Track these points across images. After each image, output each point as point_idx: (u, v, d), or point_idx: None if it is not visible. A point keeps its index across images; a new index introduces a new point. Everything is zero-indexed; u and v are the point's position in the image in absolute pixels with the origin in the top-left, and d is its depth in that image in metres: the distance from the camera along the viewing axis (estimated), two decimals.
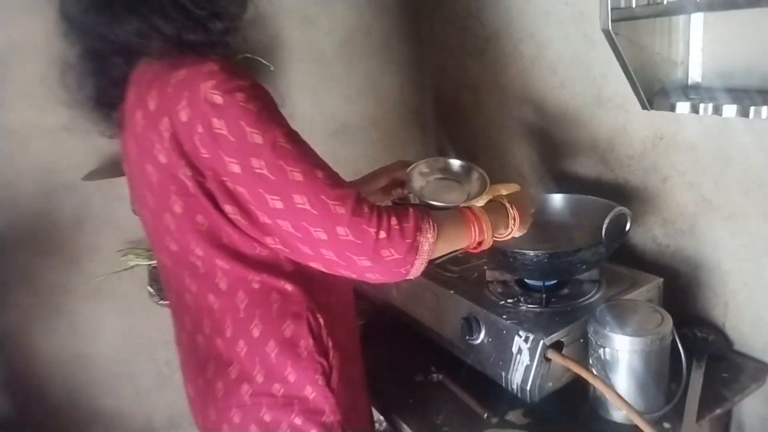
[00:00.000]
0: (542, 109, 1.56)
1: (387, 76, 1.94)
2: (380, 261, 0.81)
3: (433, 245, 0.85)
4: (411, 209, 0.85)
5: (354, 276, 0.84)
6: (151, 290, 1.63)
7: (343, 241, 0.79)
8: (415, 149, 2.03)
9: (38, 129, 1.51)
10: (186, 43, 0.82)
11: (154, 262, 1.62)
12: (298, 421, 0.91)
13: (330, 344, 0.93)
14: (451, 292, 1.28)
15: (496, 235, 0.98)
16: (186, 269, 0.91)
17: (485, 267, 1.34)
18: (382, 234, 0.80)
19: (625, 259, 1.33)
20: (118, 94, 0.89)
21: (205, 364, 0.95)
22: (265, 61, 0.87)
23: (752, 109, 0.99)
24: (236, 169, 0.77)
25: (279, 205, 0.78)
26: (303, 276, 0.90)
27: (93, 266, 1.65)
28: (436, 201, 1.06)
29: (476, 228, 0.94)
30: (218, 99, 0.76)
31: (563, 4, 1.39)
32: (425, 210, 0.87)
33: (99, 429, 1.76)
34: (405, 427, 1.14)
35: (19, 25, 1.44)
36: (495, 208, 0.99)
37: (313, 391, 0.92)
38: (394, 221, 0.81)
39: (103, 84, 0.90)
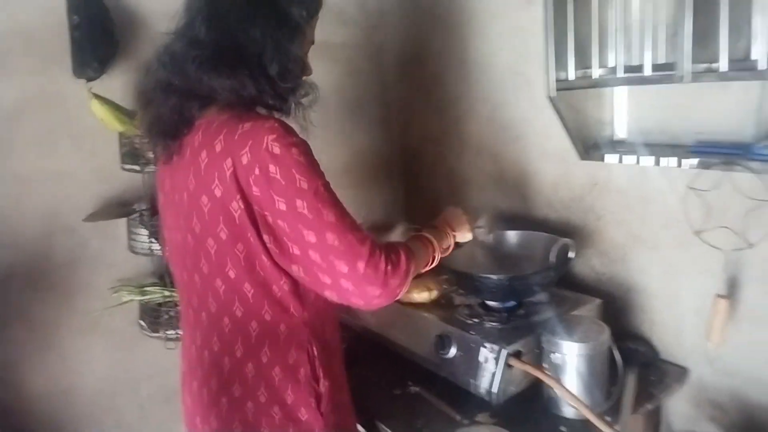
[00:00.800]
0: (497, 161, 1.82)
1: (358, 131, 2.17)
2: (387, 288, 0.99)
3: (414, 270, 1.07)
4: (400, 247, 1.06)
5: (361, 303, 1.01)
6: (143, 323, 1.75)
7: (361, 275, 0.97)
8: (383, 197, 2.25)
9: (44, 174, 1.64)
10: (262, 104, 1.03)
11: (146, 297, 1.75)
12: None
13: (321, 372, 1.09)
14: (425, 314, 1.47)
15: (442, 250, 1.23)
16: (210, 290, 1.07)
17: (452, 294, 1.55)
18: (390, 267, 0.99)
19: (569, 285, 1.57)
20: (183, 131, 1.06)
21: (209, 377, 1.10)
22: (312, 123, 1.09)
23: (662, 159, 1.26)
24: (282, 207, 0.95)
25: (313, 239, 0.95)
26: (308, 312, 1.08)
27: (86, 302, 1.74)
28: None
29: (432, 249, 1.18)
30: (276, 150, 0.95)
31: (514, 73, 1.67)
32: (407, 246, 1.10)
33: None
34: None
35: (30, 83, 1.60)
36: (436, 231, 1.25)
37: (306, 414, 1.07)
38: (394, 257, 1.01)
39: (176, 119, 1.06)
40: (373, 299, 0.99)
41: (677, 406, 1.46)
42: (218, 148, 0.98)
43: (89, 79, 1.60)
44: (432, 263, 1.20)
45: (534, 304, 1.46)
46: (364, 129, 2.19)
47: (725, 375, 1.35)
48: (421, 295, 1.50)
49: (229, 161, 0.97)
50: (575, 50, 1.28)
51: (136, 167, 1.65)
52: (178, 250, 1.13)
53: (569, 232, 1.59)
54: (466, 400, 1.32)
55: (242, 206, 0.97)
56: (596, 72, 1.28)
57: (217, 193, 0.99)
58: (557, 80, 1.30)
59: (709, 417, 1.40)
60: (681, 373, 1.42)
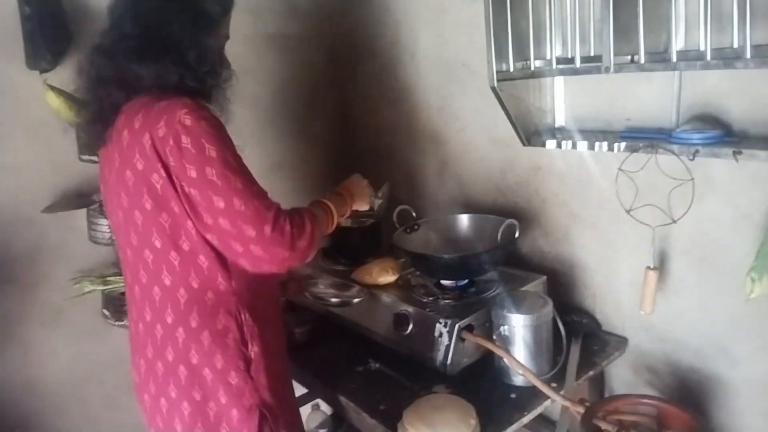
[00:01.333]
0: (448, 148, 1.91)
1: (315, 121, 2.23)
2: (295, 249, 1.08)
3: (318, 234, 1.16)
4: (303, 211, 1.15)
5: (274, 268, 1.10)
6: (107, 313, 1.77)
7: (268, 238, 1.05)
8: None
9: (1, 167, 1.65)
10: (184, 89, 1.10)
11: (108, 287, 1.77)
12: (222, 400, 1.13)
13: (250, 338, 1.16)
14: (383, 295, 1.56)
15: (340, 216, 1.33)
16: (141, 262, 1.14)
17: (408, 275, 1.63)
18: (295, 230, 1.08)
19: (518, 264, 1.67)
20: (112, 117, 1.14)
21: (144, 347, 1.17)
22: None
23: (596, 144, 1.37)
24: (193, 174, 1.03)
25: (221, 205, 1.04)
26: (236, 282, 1.14)
27: (48, 294, 1.76)
28: None
29: (331, 214, 1.29)
30: (188, 122, 1.04)
31: (462, 65, 1.76)
32: (309, 210, 1.20)
33: None
34: (352, 405, 1.38)
35: None
36: (336, 197, 1.36)
37: (236, 377, 1.14)
38: (298, 219, 1.11)
39: (106, 107, 1.14)
40: (283, 261, 1.09)
41: (618, 372, 1.59)
42: (137, 125, 1.07)
43: (43, 71, 1.60)
44: (331, 227, 1.30)
45: (485, 282, 1.57)
46: (321, 120, 2.25)
47: (659, 342, 1.48)
48: (385, 278, 1.58)
49: (147, 135, 1.05)
50: (514, 44, 1.37)
51: (94, 158, 1.66)
52: (116, 228, 1.20)
53: (517, 214, 1.69)
54: (423, 374, 1.41)
55: (164, 176, 1.05)
56: (533, 64, 1.38)
57: (139, 166, 1.06)
58: (498, 71, 1.39)
59: (647, 381, 1.53)
60: (620, 342, 1.54)
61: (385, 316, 1.51)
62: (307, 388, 1.63)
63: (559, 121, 1.57)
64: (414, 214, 1.67)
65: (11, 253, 1.70)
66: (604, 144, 1.37)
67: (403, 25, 1.93)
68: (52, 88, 1.58)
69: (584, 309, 1.62)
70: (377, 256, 1.71)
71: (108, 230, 1.69)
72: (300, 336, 1.67)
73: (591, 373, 1.44)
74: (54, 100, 1.58)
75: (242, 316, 1.15)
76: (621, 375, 1.57)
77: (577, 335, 1.52)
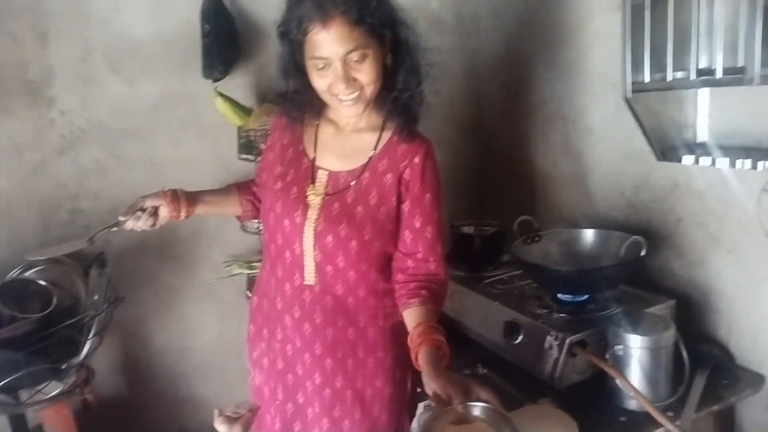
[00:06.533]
0: (581, 162, 1.86)
1: (449, 130, 2.29)
2: None
3: None
4: None
5: None
6: (249, 294, 1.98)
7: None
8: (470, 194, 2.35)
9: (175, 160, 1.93)
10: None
11: (254, 271, 1.99)
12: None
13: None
14: (497, 303, 1.57)
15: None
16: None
17: (524, 287, 1.63)
18: None
19: (647, 286, 1.58)
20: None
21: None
22: None
23: (737, 161, 1.27)
24: None
25: None
26: None
27: (203, 273, 2.03)
28: None
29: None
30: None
31: (599, 76, 1.72)
32: None
33: (191, 413, 2.09)
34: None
35: (168, 83, 1.88)
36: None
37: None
38: None
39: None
40: None
41: (753, 413, 1.44)
42: None
43: (215, 80, 1.86)
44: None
45: (605, 300, 1.51)
46: (456, 129, 2.31)
47: None
48: None
49: None
50: (652, 54, 1.32)
51: (250, 157, 1.89)
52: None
53: (650, 233, 1.60)
54: (530, 385, 1.40)
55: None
56: (670, 75, 1.32)
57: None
58: (634, 82, 1.35)
59: None
60: (756, 379, 1.40)
61: (497, 323, 1.53)
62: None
63: (701, 137, 1.48)
64: (536, 225, 1.67)
65: (179, 235, 1.98)
66: (748, 161, 1.26)
67: (543, 37, 1.93)
68: (221, 95, 1.82)
69: (717, 340, 1.49)
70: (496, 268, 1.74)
71: (256, 222, 1.90)
72: None
73: (716, 407, 1.33)
74: (222, 106, 1.83)
75: None
76: (756, 417, 1.42)
77: (705, 366, 1.41)
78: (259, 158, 1.67)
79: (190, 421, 2.10)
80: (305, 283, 1.26)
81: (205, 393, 2.11)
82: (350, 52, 1.12)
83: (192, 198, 1.37)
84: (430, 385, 1.10)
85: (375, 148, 1.26)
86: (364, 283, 1.27)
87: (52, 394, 1.56)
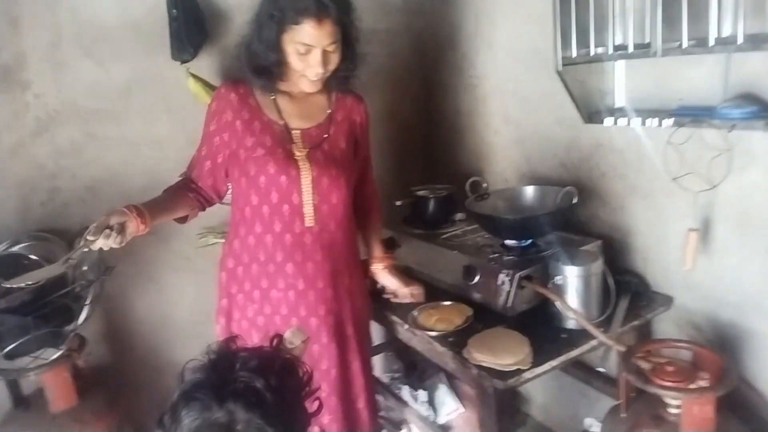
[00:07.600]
0: (519, 128, 2.13)
1: (401, 105, 2.51)
2: None
3: None
4: None
5: None
6: None
7: None
8: (421, 161, 2.58)
9: (147, 139, 2.04)
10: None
11: None
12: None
13: None
14: (455, 252, 1.81)
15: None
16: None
17: (478, 237, 1.88)
18: None
19: (577, 231, 1.87)
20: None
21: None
22: None
23: (647, 120, 1.56)
24: None
25: None
26: None
27: (180, 245, 2.14)
28: None
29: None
30: None
31: (534, 52, 1.98)
32: None
33: (174, 378, 2.22)
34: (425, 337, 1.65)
35: (138, 65, 1.98)
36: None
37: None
38: None
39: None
40: None
41: (663, 327, 1.76)
42: None
43: (184, 62, 1.98)
44: None
45: (546, 243, 1.78)
46: (407, 104, 2.52)
47: (702, 300, 1.65)
48: (443, 327, 1.62)
49: None
50: (577, 33, 1.58)
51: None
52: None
53: (579, 186, 1.86)
54: (487, 315, 1.65)
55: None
56: (593, 50, 1.58)
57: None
58: (563, 57, 1.61)
59: (689, 336, 1.69)
60: (666, 299, 1.72)
61: (456, 269, 1.77)
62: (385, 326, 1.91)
63: (619, 102, 1.76)
64: (485, 185, 1.92)
65: None
66: (655, 120, 1.55)
67: (483, 19, 2.16)
68: (194, 75, 1.95)
69: (635, 271, 1.80)
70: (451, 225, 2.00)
71: (230, 192, 2.05)
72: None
73: (636, 322, 1.63)
74: (194, 86, 1.96)
75: None
76: (666, 330, 1.74)
77: (627, 292, 1.70)
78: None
79: (173, 385, 2.22)
80: (306, 226, 1.49)
81: (186, 358, 2.19)
82: (331, 44, 1.41)
83: (150, 210, 1.43)
84: (393, 281, 1.78)
85: (330, 107, 1.58)
86: (348, 215, 1.59)
87: (52, 358, 1.68)
